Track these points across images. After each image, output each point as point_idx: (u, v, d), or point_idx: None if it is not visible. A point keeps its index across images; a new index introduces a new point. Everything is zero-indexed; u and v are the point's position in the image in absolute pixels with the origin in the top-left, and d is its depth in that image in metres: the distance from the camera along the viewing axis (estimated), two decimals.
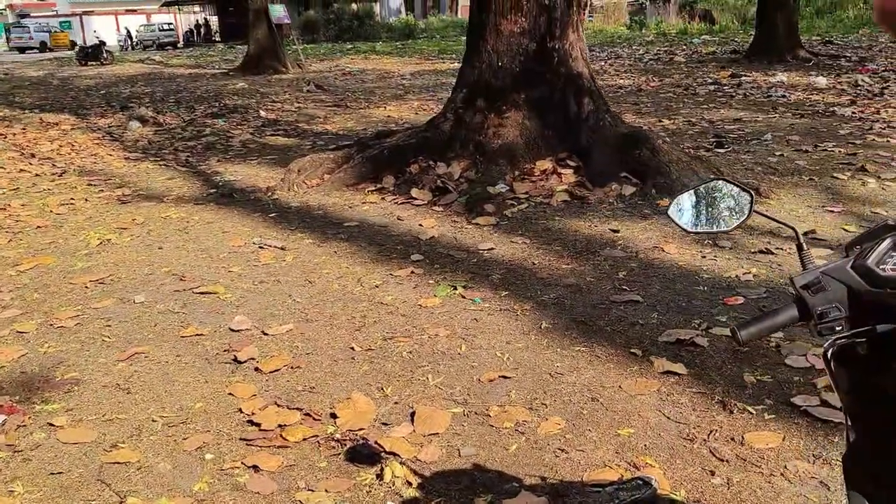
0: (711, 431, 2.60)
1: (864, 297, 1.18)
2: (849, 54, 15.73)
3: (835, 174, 5.99)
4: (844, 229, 4.64)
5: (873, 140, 7.26)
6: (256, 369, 3.16)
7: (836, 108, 9.19)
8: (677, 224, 1.38)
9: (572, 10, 5.96)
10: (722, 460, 2.45)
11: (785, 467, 2.39)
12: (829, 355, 1.39)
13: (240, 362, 3.23)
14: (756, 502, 2.24)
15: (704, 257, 4.26)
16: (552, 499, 2.28)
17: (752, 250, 4.34)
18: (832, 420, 2.61)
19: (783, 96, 10.39)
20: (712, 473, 2.38)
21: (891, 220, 1.25)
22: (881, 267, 1.20)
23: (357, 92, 13.28)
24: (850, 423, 1.41)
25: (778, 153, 6.81)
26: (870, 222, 4.76)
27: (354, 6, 36.04)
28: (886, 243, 1.23)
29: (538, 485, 2.38)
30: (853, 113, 8.84)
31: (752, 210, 1.34)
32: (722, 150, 7.00)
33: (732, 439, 2.55)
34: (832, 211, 5.07)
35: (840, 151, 6.81)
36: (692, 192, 1.40)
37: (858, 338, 1.21)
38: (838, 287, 1.21)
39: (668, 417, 2.70)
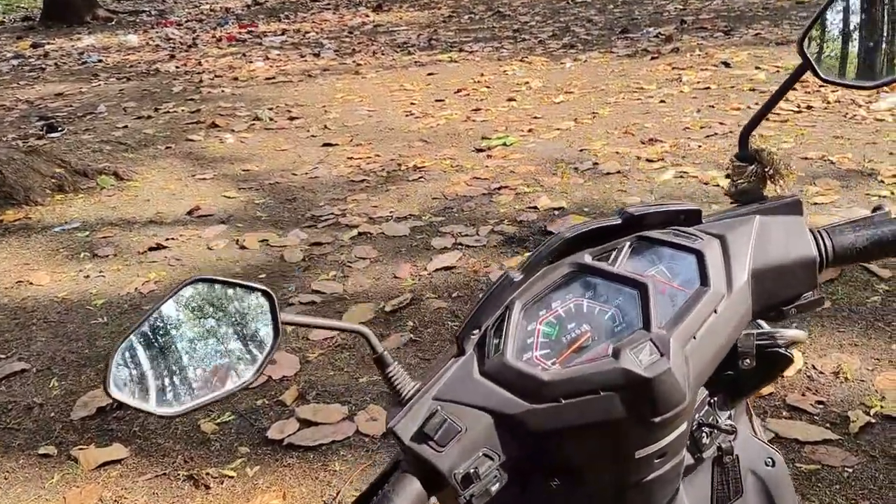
0: None
1: (530, 425, 0.65)
2: (147, 8, 15.46)
3: (189, 136, 5.56)
4: (226, 197, 4.24)
5: (209, 93, 7.05)
6: None
7: (158, 66, 8.77)
8: (141, 410, 0.63)
9: None
10: None
11: None
12: None
13: None
14: None
15: (88, 277, 3.38)
16: None
17: (140, 249, 3.62)
18: (320, 443, 2.17)
19: (100, 60, 9.53)
20: None
21: (513, 272, 0.72)
22: (528, 358, 0.68)
23: None
24: None
25: (121, 125, 6.07)
26: (245, 181, 4.46)
27: None
28: (518, 312, 0.70)
29: None
30: (178, 67, 8.54)
31: (279, 323, 0.66)
32: (57, 134, 5.93)
33: None
34: (205, 178, 4.62)
35: (183, 111, 6.40)
36: (145, 329, 0.65)
37: None
38: (477, 419, 0.66)
39: None
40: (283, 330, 0.66)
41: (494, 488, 0.67)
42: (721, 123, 4.63)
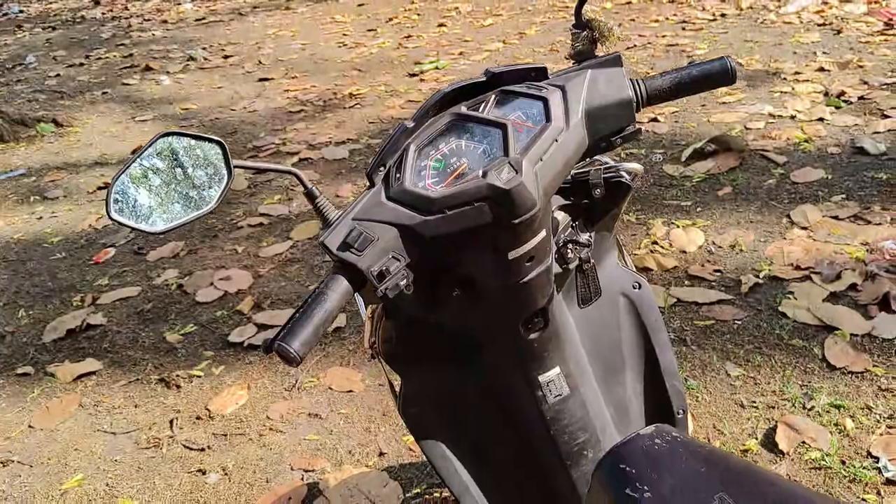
0: (172, 421, 2.13)
1: (423, 233, 0.87)
2: None
3: (124, 80, 5.59)
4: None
5: (139, 37, 7.02)
6: None
7: (83, 13, 8.62)
8: (136, 228, 0.84)
9: None
10: (201, 449, 2.02)
11: (268, 417, 2.10)
12: (375, 313, 1.08)
13: None
14: (261, 476, 1.91)
15: (41, 218, 3.51)
16: None
17: (89, 189, 3.75)
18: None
19: (21, 11, 9.32)
20: (202, 472, 1.95)
21: (408, 122, 0.94)
22: (421, 185, 0.90)
23: None
24: (392, 370, 1.15)
25: (53, 74, 6.05)
26: (185, 119, 4.56)
27: None
28: (412, 152, 0.92)
29: None
30: (104, 14, 8.41)
31: (231, 166, 0.88)
32: None
33: (199, 418, 2.13)
34: (144, 119, 4.70)
35: (115, 56, 6.39)
36: (131, 170, 0.85)
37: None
38: (385, 231, 0.87)
39: (113, 433, 2.12)
40: (233, 170, 0.87)
41: (402, 283, 0.89)
42: (640, 35, 4.85)
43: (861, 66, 3.80)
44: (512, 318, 1.01)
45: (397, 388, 1.13)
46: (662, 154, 3.21)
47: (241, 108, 4.66)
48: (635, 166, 1.07)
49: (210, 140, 0.87)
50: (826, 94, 3.54)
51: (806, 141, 3.12)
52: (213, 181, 0.86)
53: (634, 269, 1.21)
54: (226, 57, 5.90)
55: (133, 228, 0.83)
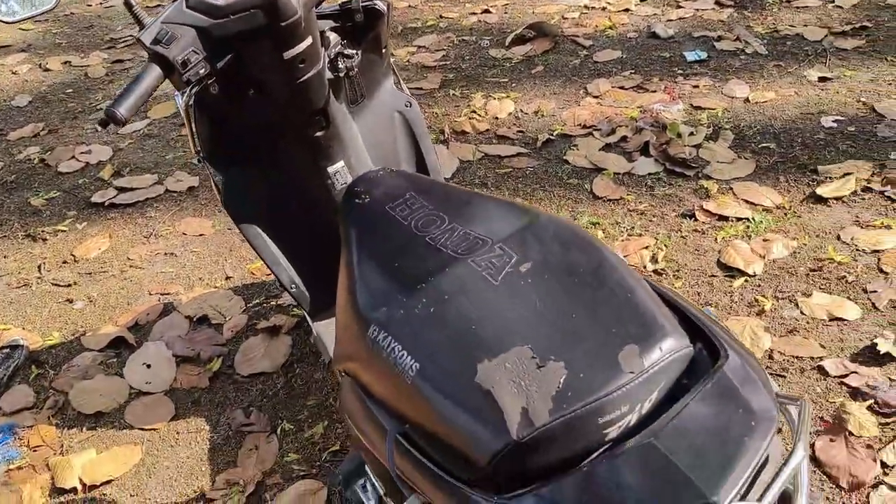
0: (40, 266, 2.41)
1: (214, 33, 1.19)
2: None
3: None
4: (22, 30, 4.39)
5: None
6: None
7: None
8: None
9: None
10: (68, 285, 2.32)
11: (128, 258, 2.40)
12: (189, 105, 1.40)
13: None
14: (123, 301, 2.23)
15: None
16: None
17: None
18: (137, 200, 2.67)
19: None
20: (70, 301, 2.25)
21: None
22: None
23: None
24: (213, 169, 1.48)
25: None
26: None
27: None
28: None
29: None
30: None
31: None
32: None
33: (65, 262, 2.41)
34: None
35: None
36: None
37: (209, 79, 1.24)
38: (186, 31, 1.19)
39: None
40: None
41: (202, 71, 1.22)
42: None
43: None
44: (298, 116, 1.36)
45: (221, 187, 1.48)
46: (489, 40, 3.60)
47: (97, 3, 4.72)
48: None
49: None
50: None
51: (611, 28, 3.57)
52: None
53: (408, 93, 1.59)
54: None
55: None
